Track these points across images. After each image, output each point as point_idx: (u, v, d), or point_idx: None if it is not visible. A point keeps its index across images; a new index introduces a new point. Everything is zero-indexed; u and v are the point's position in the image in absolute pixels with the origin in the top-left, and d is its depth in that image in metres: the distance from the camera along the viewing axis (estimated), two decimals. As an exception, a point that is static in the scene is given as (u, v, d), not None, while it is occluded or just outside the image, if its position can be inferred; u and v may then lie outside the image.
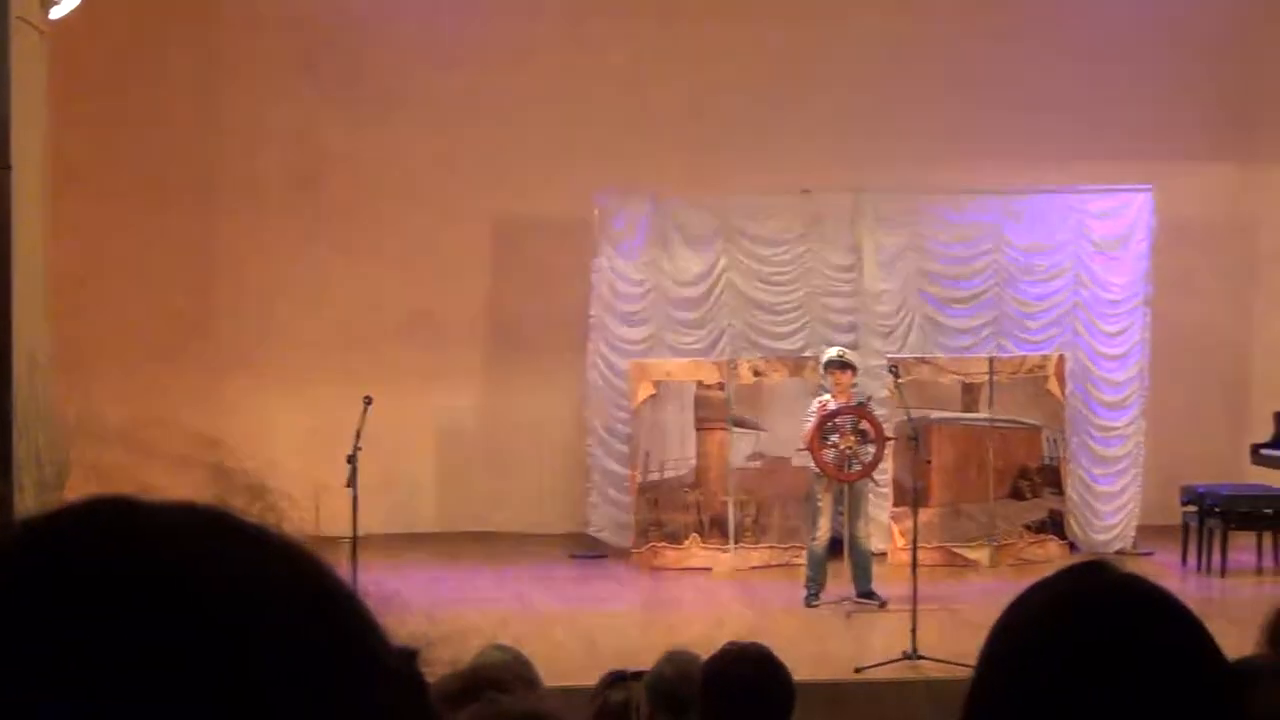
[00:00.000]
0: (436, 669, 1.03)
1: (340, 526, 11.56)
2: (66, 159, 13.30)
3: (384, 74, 16.84)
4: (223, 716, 0.84)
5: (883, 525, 14.75)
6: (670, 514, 15.53)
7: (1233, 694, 1.81)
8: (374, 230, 16.85)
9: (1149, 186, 15.98)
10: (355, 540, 11.48)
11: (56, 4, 12.42)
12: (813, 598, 13.32)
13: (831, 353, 13.89)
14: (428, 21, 16.89)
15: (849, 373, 13.56)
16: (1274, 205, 17.37)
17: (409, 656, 0.95)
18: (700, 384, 15.60)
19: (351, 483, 12.18)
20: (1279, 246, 17.43)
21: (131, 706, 0.83)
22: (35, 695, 0.84)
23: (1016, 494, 15.60)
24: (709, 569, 15.17)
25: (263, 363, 16.65)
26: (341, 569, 0.96)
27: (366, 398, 12.74)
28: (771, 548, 15.24)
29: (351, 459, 12.30)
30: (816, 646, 11.37)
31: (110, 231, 16.06)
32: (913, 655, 10.91)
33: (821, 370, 14.02)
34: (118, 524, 0.90)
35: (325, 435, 13.31)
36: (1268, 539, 14.61)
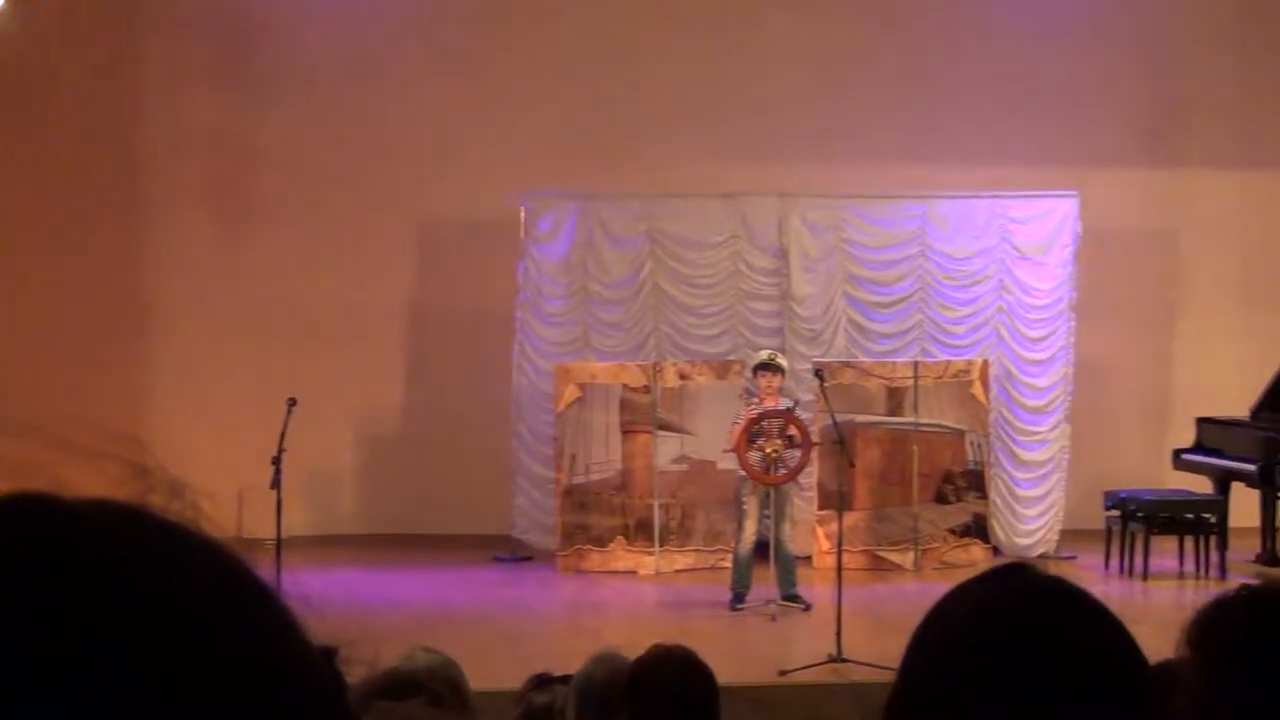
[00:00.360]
0: (356, 669, 1.03)
1: (264, 528, 11.53)
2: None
3: (305, 73, 16.80)
4: (135, 711, 0.84)
5: (808, 528, 14.79)
6: (595, 517, 15.53)
7: (1154, 696, 1.82)
8: (296, 230, 16.80)
9: (1074, 193, 16.07)
10: (279, 542, 11.45)
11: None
12: (738, 601, 13.34)
13: (761, 355, 13.91)
14: (350, 21, 16.84)
15: (778, 376, 13.58)
16: (1197, 212, 17.51)
17: (327, 655, 0.95)
18: (626, 387, 15.61)
19: (275, 484, 12.15)
20: (1202, 252, 17.57)
21: (41, 702, 0.83)
22: None
23: (941, 498, 15.67)
24: (635, 572, 15.18)
25: (185, 362, 16.57)
26: (265, 570, 0.95)
27: (290, 399, 12.72)
28: (697, 551, 15.26)
29: (276, 461, 12.27)
30: (741, 649, 11.41)
31: (29, 229, 15.95)
32: (838, 658, 10.94)
33: (750, 373, 14.05)
34: (33, 518, 0.89)
35: (249, 436, 13.27)
36: (1189, 543, 14.71)
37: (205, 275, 16.80)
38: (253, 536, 11.66)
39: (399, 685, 4.84)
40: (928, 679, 1.81)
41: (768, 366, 13.60)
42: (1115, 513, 14.97)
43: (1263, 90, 17.44)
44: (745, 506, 13.55)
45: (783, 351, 14.64)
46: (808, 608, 12.98)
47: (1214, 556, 14.55)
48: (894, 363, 15.80)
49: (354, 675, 1.01)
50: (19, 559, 0.87)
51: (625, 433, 15.59)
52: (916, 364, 15.70)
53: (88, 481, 0.92)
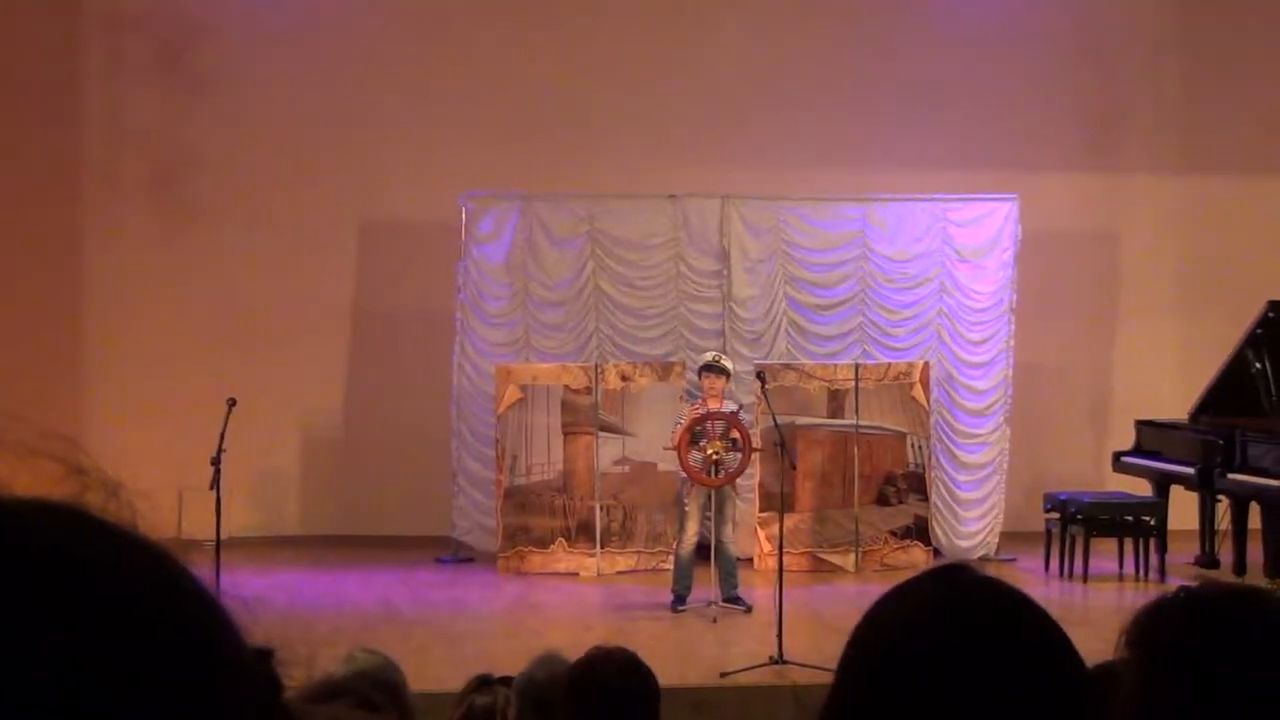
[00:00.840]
0: (294, 670, 1.03)
1: (204, 529, 11.51)
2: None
3: (246, 72, 16.77)
4: (66, 708, 0.84)
5: (749, 530, 14.81)
6: (537, 518, 15.53)
7: (1089, 696, 1.83)
8: (237, 229, 16.76)
9: (1014, 196, 16.14)
10: (219, 543, 11.41)
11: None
12: (679, 602, 13.35)
13: (706, 357, 13.93)
14: (291, 21, 16.80)
15: (722, 378, 13.59)
16: (1135, 215, 17.63)
17: (264, 656, 0.95)
18: (567, 388, 15.60)
19: (215, 485, 12.11)
20: (1141, 256, 17.69)
21: None
22: None
23: (882, 500, 15.72)
24: (576, 573, 15.18)
25: (124, 361, 16.50)
26: (205, 572, 0.95)
27: (230, 399, 12.67)
28: (638, 552, 15.28)
29: (215, 461, 12.22)
30: (682, 651, 11.42)
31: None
32: (779, 660, 10.95)
33: (696, 374, 14.07)
34: None
35: (188, 437, 13.22)
36: (1129, 545, 14.79)
37: (145, 274, 16.73)
38: (192, 538, 11.64)
39: (337, 690, 4.83)
40: (863, 681, 1.81)
41: (712, 368, 13.61)
42: (1055, 515, 15.04)
43: (1203, 95, 17.55)
44: (687, 508, 13.57)
45: (726, 354, 14.66)
46: (749, 609, 13.01)
47: (1153, 559, 14.64)
48: (835, 365, 15.82)
49: (291, 677, 1.01)
50: None
51: (566, 434, 15.59)
52: (857, 366, 15.74)
53: (22, 479, 0.92)
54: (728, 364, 13.87)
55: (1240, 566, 14.43)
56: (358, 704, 4.23)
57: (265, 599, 0.98)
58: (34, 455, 0.95)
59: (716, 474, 13.29)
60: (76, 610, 0.86)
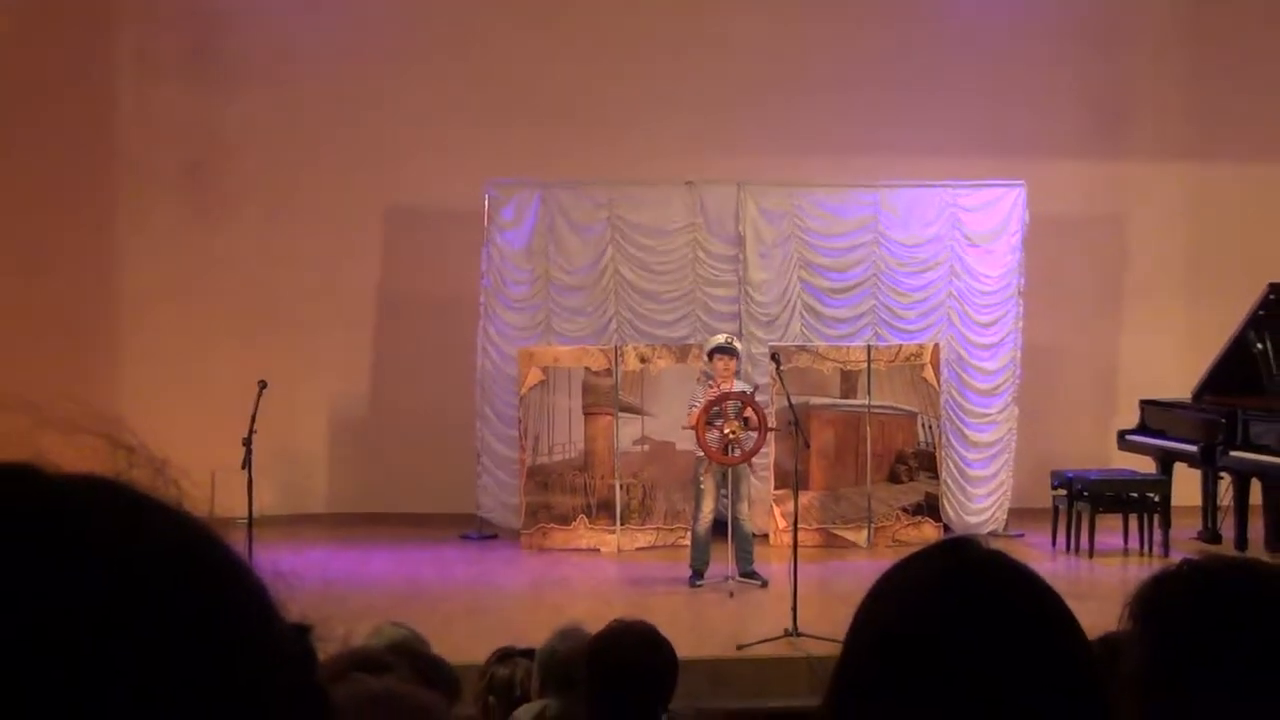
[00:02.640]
0: (329, 646, 1.03)
1: (236, 507, 11.53)
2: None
3: (274, 63, 16.74)
4: (106, 679, 0.84)
5: (765, 508, 14.82)
6: (558, 496, 15.54)
7: (1094, 668, 1.84)
8: (267, 217, 16.78)
9: (1021, 182, 16.10)
10: (251, 520, 11.44)
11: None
12: (697, 577, 13.36)
13: (719, 339, 13.92)
14: (318, 12, 16.80)
15: (734, 359, 13.61)
16: (1140, 201, 17.58)
17: (301, 632, 0.95)
18: (588, 370, 15.61)
19: (247, 464, 12.15)
20: (1145, 240, 17.64)
21: (23, 664, 0.83)
22: None
23: (893, 478, 15.71)
24: (596, 550, 15.19)
25: (158, 344, 16.52)
26: (238, 548, 0.96)
27: (261, 382, 12.71)
28: (657, 529, 15.28)
29: (247, 441, 12.25)
30: (700, 624, 11.43)
31: (5, 215, 15.88)
32: (793, 633, 10.97)
33: (707, 356, 14.06)
34: (16, 488, 0.90)
35: (221, 418, 13.24)
36: (1133, 521, 14.78)
37: (178, 261, 16.75)
38: (225, 515, 11.67)
39: (371, 662, 4.84)
40: (871, 650, 1.82)
41: (724, 350, 13.62)
42: (1062, 492, 15.02)
43: (1209, 84, 17.49)
44: (703, 486, 13.57)
45: (740, 336, 14.66)
46: (764, 584, 13.02)
47: (1157, 534, 14.63)
48: (848, 347, 15.81)
49: (326, 652, 1.02)
50: (15, 525, 0.88)
51: (587, 414, 15.59)
52: (869, 348, 15.73)
53: (69, 456, 0.93)
54: (738, 345, 13.90)
55: (1241, 541, 14.43)
56: (407, 676, 4.24)
57: (297, 575, 0.99)
58: (81, 433, 0.96)
59: (732, 453, 13.30)
60: (120, 583, 0.87)
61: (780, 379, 13.18)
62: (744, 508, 13.48)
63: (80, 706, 0.84)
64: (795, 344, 15.47)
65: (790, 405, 12.91)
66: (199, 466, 0.96)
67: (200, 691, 0.88)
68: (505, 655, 7.28)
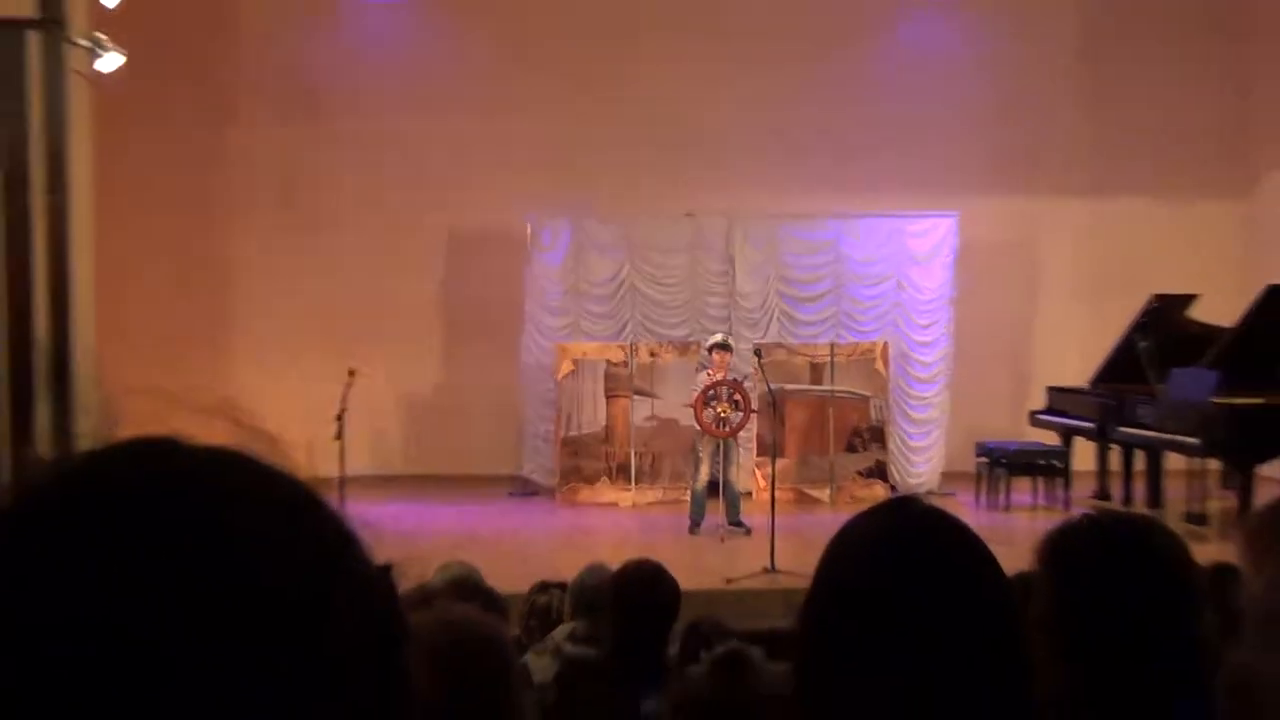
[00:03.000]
0: (405, 580, 1.04)
1: (330, 470, 11.53)
2: (109, 182, 13.14)
3: (358, 113, 16.77)
4: (236, 606, 0.85)
5: (749, 471, 14.82)
6: (586, 462, 15.57)
7: (1010, 600, 1.84)
8: (353, 238, 16.81)
9: (954, 214, 16.10)
10: (342, 480, 11.45)
11: (101, 58, 12.29)
12: (695, 527, 13.38)
13: (716, 337, 13.94)
14: (395, 72, 16.81)
15: (728, 353, 13.64)
16: (1047, 228, 17.56)
17: (384, 570, 0.96)
18: (609, 362, 15.64)
19: (339, 436, 12.17)
20: (1051, 260, 17.66)
21: (177, 601, 0.83)
22: (95, 576, 0.84)
23: (850, 448, 15.72)
24: (616, 504, 15.20)
25: (264, 341, 16.59)
26: (333, 502, 0.96)
27: (350, 370, 12.72)
28: (664, 488, 15.28)
29: (339, 417, 12.28)
30: (697, 563, 11.40)
31: (144, 236, 15.92)
32: (771, 569, 11.02)
33: (705, 350, 14.07)
34: (162, 454, 0.91)
35: (317, 400, 13.22)
36: (1041, 483, 14.80)
37: (279, 272, 16.81)
38: (321, 476, 11.66)
39: (438, 593, 4.84)
40: (833, 585, 1.82)
41: (720, 345, 13.65)
42: (984, 459, 15.03)
43: (1101, 135, 17.46)
44: (700, 454, 13.58)
45: (730, 335, 14.66)
46: (748, 531, 13.02)
47: (1060, 493, 14.64)
48: (815, 344, 15.82)
49: (404, 585, 1.02)
50: (151, 489, 0.88)
51: (608, 397, 15.62)
52: (832, 345, 15.73)
53: (202, 432, 0.93)
54: (732, 342, 13.95)
55: (1127, 499, 14.47)
56: (483, 605, 4.24)
57: (379, 524, 1.00)
58: (212, 414, 0.96)
59: (724, 428, 13.32)
60: (244, 530, 0.87)
61: (761, 369, 13.16)
62: (733, 471, 13.51)
63: (238, 613, 0.84)
64: (773, 342, 15.45)
65: (769, 390, 12.93)
66: (300, 439, 0.96)
67: (311, 611, 0.88)
68: (543, 587, 7.29)
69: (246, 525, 0.88)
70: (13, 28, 12.13)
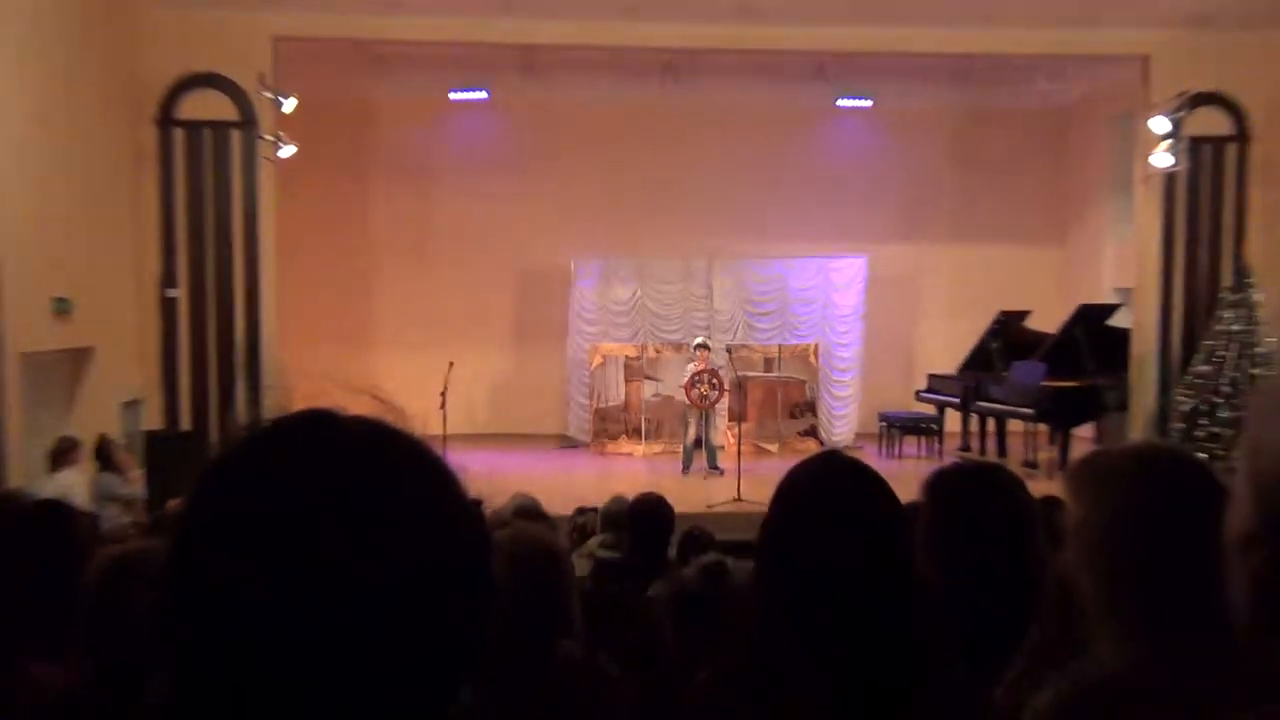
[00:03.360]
0: (487, 509, 1.04)
1: (436, 430, 11.55)
2: (287, 233, 13.19)
3: (460, 178, 16.79)
4: (384, 526, 0.85)
5: (723, 432, 14.81)
6: (612, 424, 15.58)
7: (901, 518, 1.84)
8: (454, 271, 16.83)
9: (864, 256, 16.09)
10: (444, 438, 11.46)
11: (281, 149, 12.34)
12: (685, 469, 13.40)
13: (699, 339, 14.00)
14: (479, 151, 16.82)
15: (707, 351, 13.66)
16: (930, 266, 17.53)
17: (477, 502, 0.96)
18: (627, 358, 15.65)
19: (442, 406, 12.19)
20: (931, 287, 17.61)
21: (337, 521, 0.84)
22: (279, 509, 0.84)
23: (792, 415, 15.72)
24: (631, 454, 15.21)
25: (394, 344, 16.59)
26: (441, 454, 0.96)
27: (450, 362, 12.75)
28: (665, 443, 15.28)
29: (443, 393, 12.31)
30: (687, 494, 11.39)
31: (310, 273, 15.94)
32: (739, 499, 11.03)
33: (692, 349, 14.09)
34: (326, 420, 0.91)
35: (429, 381, 13.24)
36: (922, 440, 14.79)
37: (405, 295, 16.82)
38: (431, 435, 11.65)
39: (509, 518, 4.84)
40: (782, 512, 1.82)
41: (703, 346, 13.71)
42: (884, 424, 15.05)
43: (964, 202, 17.45)
44: (689, 420, 13.60)
45: (710, 338, 14.66)
46: (722, 473, 13.01)
47: (936, 447, 14.64)
48: (768, 344, 15.82)
49: (486, 511, 1.02)
50: (319, 444, 0.88)
51: (627, 382, 15.65)
52: (780, 346, 15.74)
53: (354, 407, 0.93)
54: (710, 343, 13.95)
55: (983, 451, 14.44)
56: (549, 525, 4.25)
57: (469, 468, 1.00)
58: (360, 394, 0.97)
59: (705, 402, 13.35)
60: (390, 475, 0.88)
61: (731, 362, 13.17)
62: (712, 432, 13.56)
63: (385, 530, 0.85)
64: (739, 343, 15.45)
65: (737, 376, 12.95)
66: (417, 409, 0.96)
67: (434, 528, 0.88)
68: (581, 511, 7.30)
69: (387, 471, 0.88)
70: (223, 128, 12.21)
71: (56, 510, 3.37)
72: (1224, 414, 12.03)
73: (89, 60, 10.85)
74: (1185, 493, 1.68)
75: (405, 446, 0.92)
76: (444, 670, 0.86)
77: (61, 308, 9.95)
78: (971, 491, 2.60)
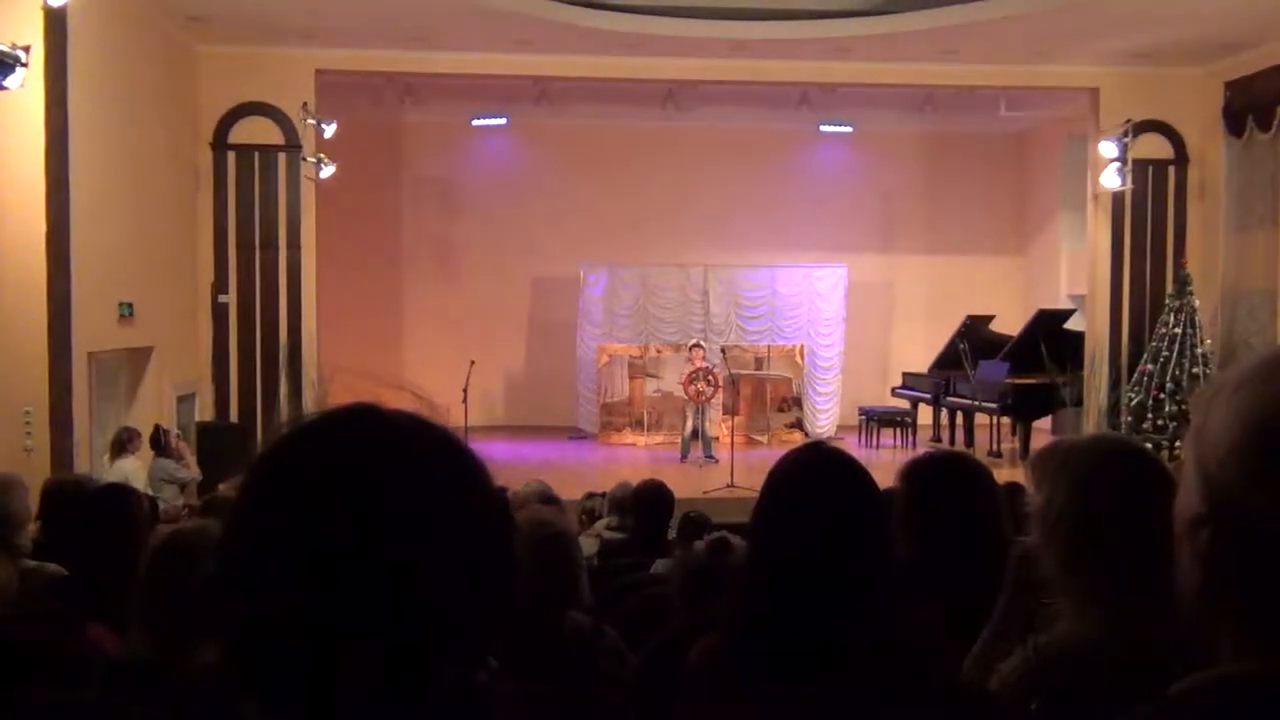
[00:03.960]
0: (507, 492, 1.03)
1: (459, 421, 11.52)
2: (326, 244, 13.19)
3: (477, 200, 16.78)
4: (418, 509, 0.85)
5: (717, 424, 14.80)
6: (617, 417, 15.54)
7: (885, 508, 1.84)
8: (475, 279, 16.81)
9: (844, 265, 16.07)
10: (466, 429, 11.46)
11: (321, 169, 12.35)
12: (683, 458, 13.37)
13: (695, 340, 14.01)
14: (497, 172, 16.82)
15: (701, 350, 13.65)
16: (905, 275, 17.51)
17: (503, 491, 0.96)
18: (631, 356, 15.62)
19: (465, 400, 12.18)
20: (906, 294, 17.58)
21: (376, 505, 0.83)
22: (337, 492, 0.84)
23: (780, 410, 15.67)
24: (634, 444, 15.18)
25: (422, 342, 16.58)
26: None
27: (471, 360, 12.74)
28: (664, 434, 15.23)
29: (465, 390, 12.29)
30: (685, 480, 11.40)
31: (346, 282, 15.93)
32: (732, 485, 11.01)
33: (689, 349, 14.07)
34: (370, 413, 0.91)
35: (452, 377, 13.23)
36: (898, 432, 14.75)
37: (431, 300, 16.81)
38: (457, 426, 11.65)
39: (523, 501, 4.83)
40: (773, 496, 1.82)
41: (698, 345, 13.71)
42: (863, 417, 15.00)
43: (936, 217, 17.44)
44: (687, 414, 13.59)
45: (705, 339, 14.65)
46: (717, 461, 12.98)
47: (910, 438, 14.59)
48: (758, 345, 15.79)
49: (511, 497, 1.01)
50: (362, 434, 0.88)
51: (631, 378, 15.61)
52: (769, 346, 15.70)
53: (395, 402, 0.93)
54: (704, 344, 13.94)
55: (952, 442, 14.40)
56: (558, 509, 4.24)
57: (492, 456, 0.99)
58: (398, 390, 0.97)
59: (701, 397, 13.33)
60: (428, 462, 0.88)
61: (725, 361, 13.16)
62: (707, 424, 13.52)
63: (419, 513, 0.85)
64: (732, 344, 15.40)
65: (730, 374, 12.92)
66: (442, 402, 0.96)
67: (465, 510, 0.88)
68: (590, 495, 7.29)
69: (423, 459, 0.88)
70: (270, 151, 12.25)
71: (119, 493, 3.38)
72: (1168, 408, 12.01)
73: (154, 93, 10.88)
74: (1134, 479, 1.68)
75: (440, 438, 0.92)
76: (472, 641, 0.86)
77: (125, 311, 9.98)
78: (943, 477, 2.60)
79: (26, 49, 7.19)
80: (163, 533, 2.50)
